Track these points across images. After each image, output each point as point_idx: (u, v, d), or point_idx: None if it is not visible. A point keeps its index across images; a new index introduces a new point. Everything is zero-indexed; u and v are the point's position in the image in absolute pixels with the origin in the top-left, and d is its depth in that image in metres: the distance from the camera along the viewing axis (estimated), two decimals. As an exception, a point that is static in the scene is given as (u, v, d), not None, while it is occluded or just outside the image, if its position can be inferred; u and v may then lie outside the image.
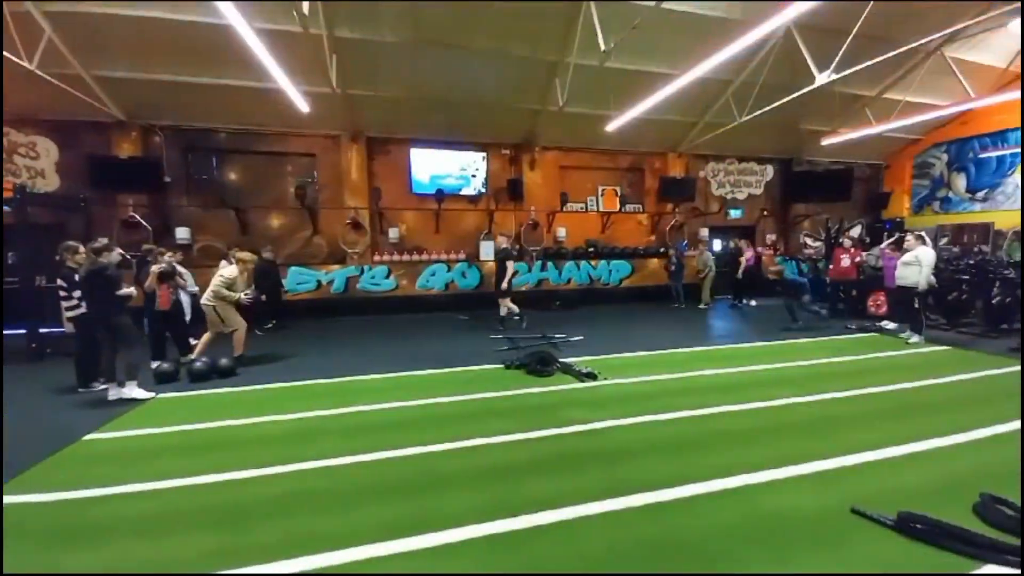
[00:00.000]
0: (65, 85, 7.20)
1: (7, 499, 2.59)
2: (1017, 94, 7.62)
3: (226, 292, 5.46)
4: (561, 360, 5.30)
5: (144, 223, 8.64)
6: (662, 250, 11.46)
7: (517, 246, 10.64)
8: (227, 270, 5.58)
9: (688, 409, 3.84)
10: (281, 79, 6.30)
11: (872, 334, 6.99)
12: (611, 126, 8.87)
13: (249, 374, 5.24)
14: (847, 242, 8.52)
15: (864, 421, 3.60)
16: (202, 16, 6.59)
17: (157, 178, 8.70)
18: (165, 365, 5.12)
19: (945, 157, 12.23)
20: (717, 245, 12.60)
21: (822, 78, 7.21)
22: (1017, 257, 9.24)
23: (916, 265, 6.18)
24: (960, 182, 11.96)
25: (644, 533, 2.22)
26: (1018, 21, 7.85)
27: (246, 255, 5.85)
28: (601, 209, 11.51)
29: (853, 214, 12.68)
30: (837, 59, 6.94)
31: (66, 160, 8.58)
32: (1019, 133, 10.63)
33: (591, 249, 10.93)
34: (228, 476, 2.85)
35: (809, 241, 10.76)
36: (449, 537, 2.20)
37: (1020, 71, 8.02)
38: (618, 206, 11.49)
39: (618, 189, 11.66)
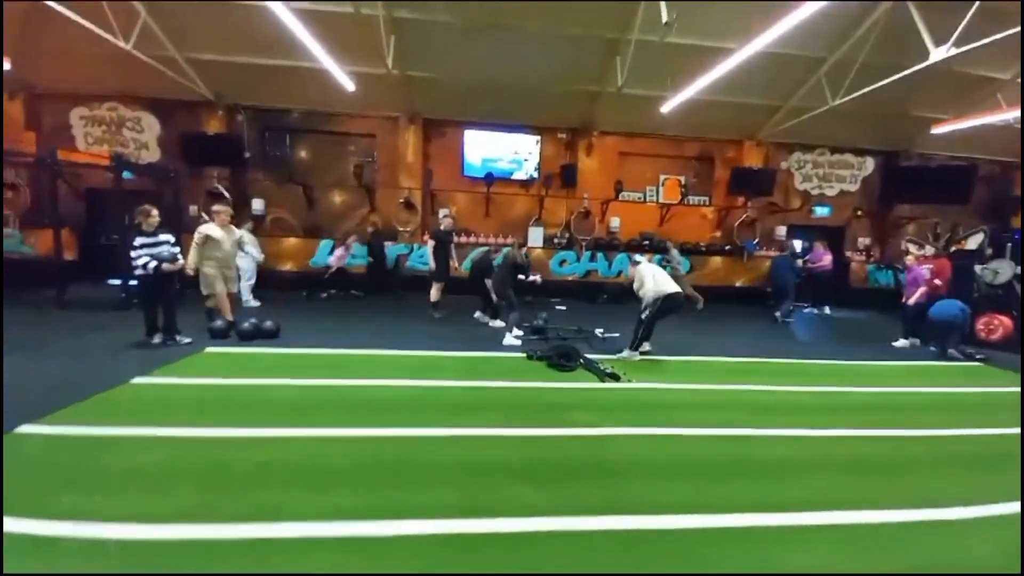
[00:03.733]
0: (162, 66, 8.01)
1: (37, 428, 2.92)
2: None
3: (192, 253, 5.33)
4: (586, 356, 5.03)
5: (226, 194, 9.49)
6: (727, 248, 10.52)
7: (566, 234, 10.31)
8: (204, 226, 5.48)
9: (715, 426, 3.43)
10: (323, 57, 6.53)
11: (976, 363, 5.88)
12: (668, 106, 8.19)
13: (292, 337, 5.56)
14: (929, 249, 7.19)
15: (935, 467, 2.99)
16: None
17: (238, 153, 9.50)
18: (218, 322, 5.59)
19: (1109, 154, 9.84)
20: (797, 246, 11.30)
21: (938, 54, 6.03)
22: None
23: None
24: None
25: (614, 563, 1.98)
26: None
27: (219, 207, 5.72)
28: (661, 200, 10.77)
29: (973, 220, 10.71)
30: (959, 31, 5.74)
31: (165, 134, 9.63)
32: None
33: (646, 242, 10.28)
34: (232, 433, 3.01)
35: (913, 248, 9.25)
36: (398, 529, 2.11)
37: (1020, 71, 6.37)
38: (680, 197, 10.65)
39: (682, 179, 10.81)
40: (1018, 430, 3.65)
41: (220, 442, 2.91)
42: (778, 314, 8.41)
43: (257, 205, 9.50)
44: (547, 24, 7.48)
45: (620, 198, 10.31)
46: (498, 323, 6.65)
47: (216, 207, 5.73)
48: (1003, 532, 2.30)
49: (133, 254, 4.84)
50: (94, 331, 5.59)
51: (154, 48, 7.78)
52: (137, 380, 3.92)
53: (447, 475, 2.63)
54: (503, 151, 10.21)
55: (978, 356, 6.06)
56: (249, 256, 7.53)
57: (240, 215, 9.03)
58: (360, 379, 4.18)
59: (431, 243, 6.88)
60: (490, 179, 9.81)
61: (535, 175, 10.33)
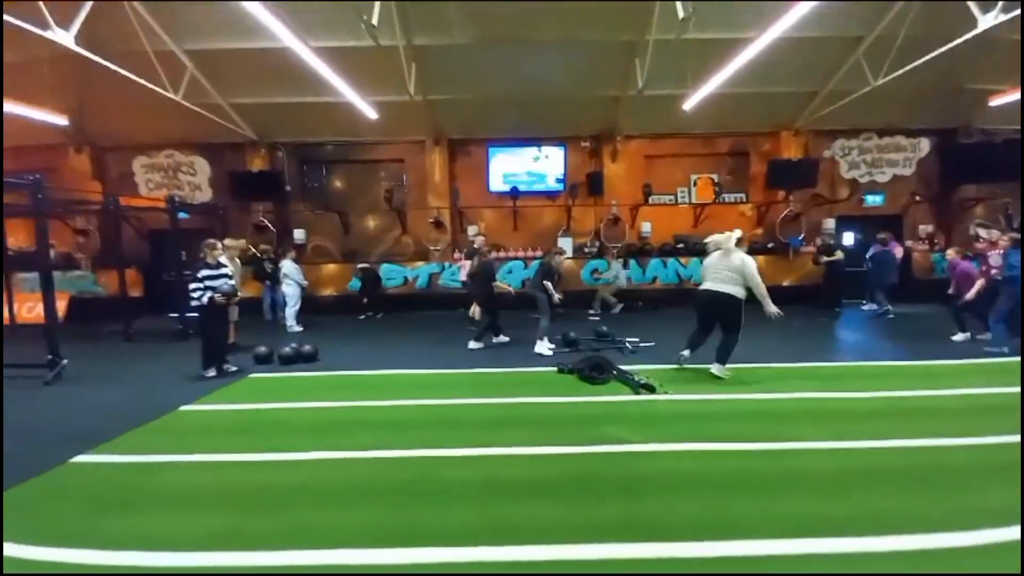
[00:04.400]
0: (209, 113, 8.69)
1: (88, 458, 3.14)
2: None
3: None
4: (619, 367, 4.87)
5: (270, 226, 10.09)
6: (770, 245, 9.98)
7: (596, 243, 10.15)
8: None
9: (757, 440, 3.18)
10: (346, 90, 6.88)
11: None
12: (691, 103, 7.96)
13: (328, 360, 5.76)
14: (986, 233, 6.49)
15: (1010, 477, 2.63)
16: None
17: (280, 187, 10.10)
18: (262, 349, 5.87)
19: None
20: (848, 238, 10.55)
21: (987, 21, 5.51)
22: None
23: None
24: None
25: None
26: None
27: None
28: (694, 200, 10.40)
29: (1054, 196, 9.62)
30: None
31: (215, 175, 10.39)
32: None
33: (680, 245, 9.94)
34: (265, 458, 3.11)
35: (983, 233, 8.38)
36: (411, 557, 2.07)
37: (1020, 71, 6.18)
38: (714, 196, 10.25)
39: (715, 177, 10.41)
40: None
41: (254, 466, 3.02)
42: (874, 306, 8.41)
43: (299, 234, 10.01)
44: (563, 32, 7.52)
45: (650, 202, 10.06)
46: (503, 338, 6.57)
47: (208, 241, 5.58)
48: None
49: (192, 286, 5.01)
50: (153, 362, 6.03)
51: (201, 96, 8.46)
52: (185, 408, 4.17)
53: (466, 495, 2.58)
54: (527, 164, 10.26)
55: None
56: (293, 283, 7.97)
57: (283, 245, 9.58)
58: (392, 399, 4.24)
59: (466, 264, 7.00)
60: (516, 193, 9.87)
61: (561, 186, 10.29)
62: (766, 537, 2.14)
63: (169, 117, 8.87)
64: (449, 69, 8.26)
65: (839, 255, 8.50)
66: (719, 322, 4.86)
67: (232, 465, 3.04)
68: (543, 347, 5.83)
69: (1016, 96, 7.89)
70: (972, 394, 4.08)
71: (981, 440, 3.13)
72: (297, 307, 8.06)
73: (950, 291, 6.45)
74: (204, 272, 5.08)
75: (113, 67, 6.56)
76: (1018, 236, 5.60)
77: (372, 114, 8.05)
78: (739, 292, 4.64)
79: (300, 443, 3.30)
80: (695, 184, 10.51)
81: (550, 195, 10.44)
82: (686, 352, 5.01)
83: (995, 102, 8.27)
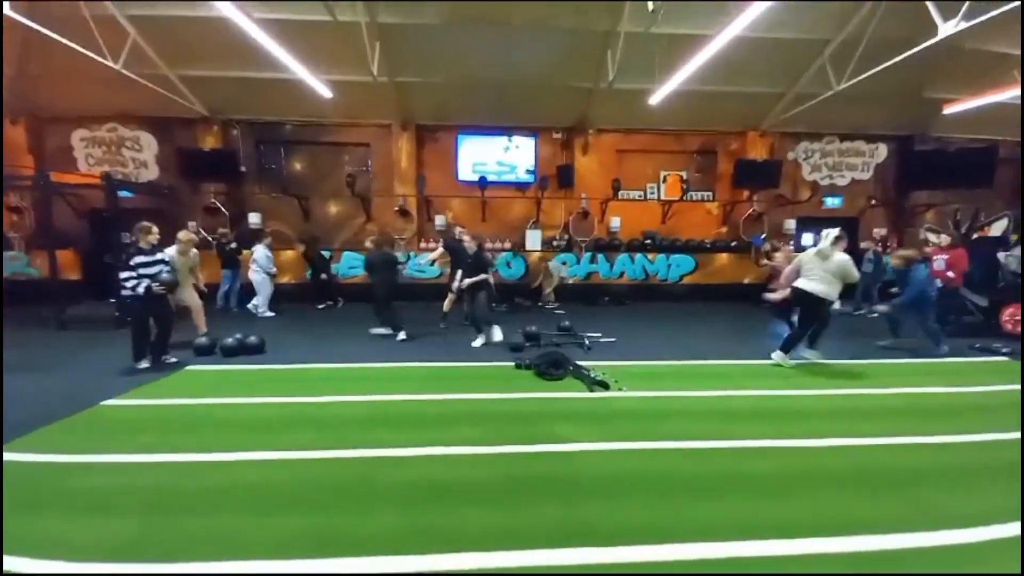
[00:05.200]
0: (155, 85, 8.07)
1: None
2: None
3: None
4: (576, 363, 4.80)
5: (223, 208, 9.55)
6: (733, 244, 10.14)
7: (565, 236, 10.08)
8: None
9: (707, 439, 3.15)
10: (295, 66, 6.51)
11: (1002, 359, 5.45)
12: (657, 98, 7.89)
13: (277, 352, 5.46)
14: (944, 238, 6.73)
15: (951, 480, 2.67)
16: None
17: (234, 167, 9.54)
18: (202, 339, 5.52)
19: None
20: (808, 239, 10.83)
21: (947, 29, 5.65)
22: None
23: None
24: None
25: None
26: None
27: (184, 235, 5.67)
28: (662, 197, 10.45)
29: (997, 204, 10.12)
30: (967, 4, 5.36)
31: (163, 152, 9.73)
32: None
33: (648, 241, 9.98)
34: (190, 458, 2.87)
35: (932, 237, 8.75)
36: (323, 567, 1.92)
37: (1020, 70, 6.10)
38: (682, 193, 10.33)
39: (684, 174, 10.49)
40: (1049, 434, 3.29)
41: (175, 467, 2.78)
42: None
43: (254, 219, 9.52)
44: (537, 16, 7.30)
45: (619, 197, 10.05)
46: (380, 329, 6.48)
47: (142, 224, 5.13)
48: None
49: (124, 274, 4.55)
50: (85, 351, 5.58)
51: (146, 67, 7.85)
52: (109, 402, 3.84)
53: (400, 498, 2.43)
54: (497, 154, 10.06)
55: (1004, 350, 5.62)
56: (260, 271, 7.75)
57: (237, 229, 9.09)
58: (338, 395, 4.02)
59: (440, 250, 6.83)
60: (483, 183, 9.65)
61: (532, 177, 10.14)
62: (701, 540, 2.09)
63: (112, 88, 8.22)
64: (417, 50, 7.93)
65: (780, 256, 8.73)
66: (800, 311, 5.08)
67: (151, 466, 2.79)
68: (483, 339, 5.81)
69: (969, 104, 8.19)
70: (920, 393, 4.20)
71: (933, 439, 3.20)
72: (269, 293, 7.86)
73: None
74: (138, 259, 4.62)
75: (45, 31, 5.97)
76: (912, 254, 5.77)
77: (326, 92, 7.65)
78: (828, 292, 4.77)
79: (230, 442, 3.07)
80: (664, 181, 10.55)
81: (520, 186, 10.28)
82: (808, 353, 5.16)
83: (948, 110, 8.57)
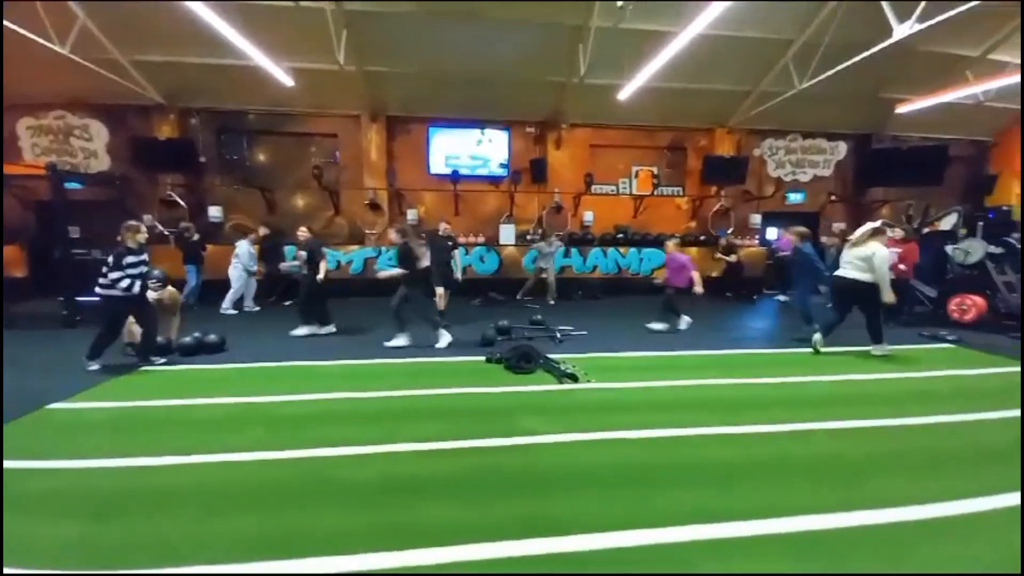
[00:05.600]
0: (104, 70, 7.61)
1: None
2: None
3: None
4: (547, 356, 4.81)
5: (180, 202, 9.13)
6: (702, 238, 10.38)
7: (539, 230, 10.09)
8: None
9: (669, 427, 3.22)
10: (253, 52, 6.30)
11: (949, 346, 5.76)
12: (626, 93, 7.97)
13: (239, 350, 5.27)
14: (897, 232, 7.06)
15: (899, 464, 2.79)
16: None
17: (193, 158, 9.12)
18: (158, 338, 5.27)
19: (1075, 131, 9.85)
20: (772, 233, 11.19)
21: (902, 30, 5.90)
22: None
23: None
24: (1096, 161, 9.61)
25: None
26: None
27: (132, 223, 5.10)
28: (635, 192, 10.59)
29: (947, 201, 10.69)
30: (921, 6, 5.60)
31: (115, 141, 9.22)
32: None
33: (620, 235, 10.10)
34: (138, 462, 2.73)
35: (888, 232, 9.17)
36: (281, 568, 1.87)
37: (1020, 69, 6.39)
38: (652, 188, 10.48)
39: (655, 169, 10.64)
40: (990, 415, 3.50)
41: (124, 471, 2.65)
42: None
43: (214, 212, 9.14)
44: (508, 10, 7.22)
45: (592, 191, 10.12)
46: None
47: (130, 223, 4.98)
48: (964, 533, 2.11)
49: (116, 274, 4.39)
50: (30, 352, 5.25)
51: (97, 51, 7.41)
52: (56, 405, 3.63)
53: (363, 496, 2.39)
54: (470, 147, 9.96)
55: (950, 338, 5.95)
56: (239, 267, 7.52)
57: (196, 223, 8.70)
58: (301, 393, 3.90)
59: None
60: (456, 177, 9.54)
61: (505, 171, 10.09)
62: (659, 526, 2.13)
63: (60, 74, 7.71)
64: (387, 39, 7.74)
65: (733, 258, 9.32)
66: (856, 306, 5.17)
67: (98, 470, 2.65)
68: (403, 339, 5.47)
69: (921, 104, 8.58)
70: (870, 380, 4.39)
71: (879, 423, 3.34)
72: (239, 290, 7.62)
73: (658, 281, 6.83)
74: (129, 259, 4.50)
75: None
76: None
77: (288, 81, 7.38)
78: (866, 277, 4.90)
79: (184, 444, 2.94)
80: (636, 176, 10.68)
81: (493, 180, 10.21)
82: (818, 336, 5.27)
83: (900, 110, 8.96)
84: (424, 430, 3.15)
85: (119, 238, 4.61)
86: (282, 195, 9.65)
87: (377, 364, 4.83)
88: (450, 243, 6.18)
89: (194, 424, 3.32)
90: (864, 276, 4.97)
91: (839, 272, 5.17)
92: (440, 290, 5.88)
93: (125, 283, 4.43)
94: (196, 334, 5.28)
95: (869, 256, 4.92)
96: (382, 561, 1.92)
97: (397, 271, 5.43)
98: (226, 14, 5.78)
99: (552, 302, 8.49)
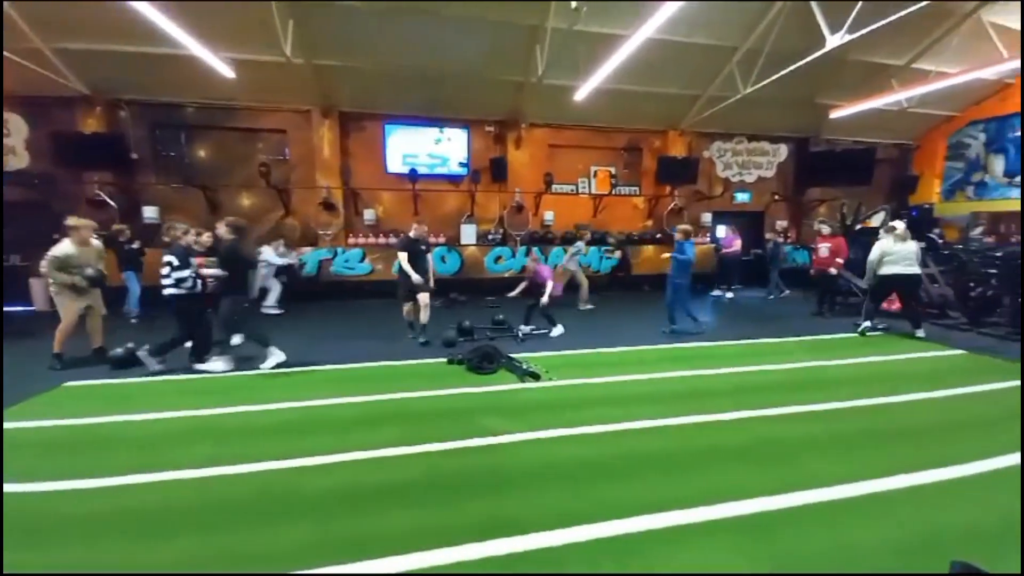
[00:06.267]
0: (25, 60, 6.88)
1: None
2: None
3: (57, 274, 4.63)
4: (509, 356, 4.79)
5: (110, 202, 8.40)
6: (658, 236, 10.71)
7: (500, 230, 10.07)
8: (57, 248, 4.66)
9: (627, 421, 3.28)
10: (188, 41, 5.95)
11: (879, 333, 6.22)
12: (582, 94, 8.07)
13: (176, 361, 4.89)
14: (826, 228, 7.62)
15: (833, 445, 2.98)
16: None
17: (123, 155, 8.41)
18: (119, 350, 4.82)
19: (983, 137, 10.96)
20: (721, 231, 11.69)
21: (834, 40, 6.31)
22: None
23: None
24: (998, 165, 10.71)
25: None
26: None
27: (80, 221, 4.86)
28: (593, 191, 10.77)
29: (877, 199, 11.61)
30: (851, 17, 6.02)
31: (36, 137, 8.36)
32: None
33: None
34: (65, 485, 2.47)
35: (824, 229, 9.83)
36: None
37: (1020, 66, 7.17)
38: (611, 188, 10.72)
39: (613, 169, 10.88)
40: (909, 396, 3.79)
41: (47, 496, 2.39)
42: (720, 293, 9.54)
43: (150, 212, 8.48)
44: (464, 8, 7.12)
45: (552, 191, 10.20)
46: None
47: (71, 221, 4.83)
48: (888, 513, 2.26)
49: (182, 273, 4.52)
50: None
51: (15, 40, 6.70)
52: (-42, 428, 3.22)
53: (318, 508, 2.27)
54: (429, 145, 9.78)
55: (880, 326, 6.43)
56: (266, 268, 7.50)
57: (133, 224, 8.03)
58: (247, 404, 3.68)
59: (402, 255, 5.56)
60: (414, 176, 9.34)
61: (465, 170, 9.98)
62: (613, 518, 2.17)
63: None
64: (338, 32, 7.43)
65: (618, 253, 9.94)
66: (902, 294, 6.09)
67: (19, 496, 2.36)
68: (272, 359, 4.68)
69: (852, 109, 9.22)
70: (806, 368, 4.66)
71: (817, 407, 3.54)
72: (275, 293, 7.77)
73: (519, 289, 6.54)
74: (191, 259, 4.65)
75: None
76: (689, 228, 6.21)
77: (228, 73, 6.95)
78: (915, 270, 5.85)
79: (118, 464, 2.71)
80: (595, 175, 10.87)
81: (453, 179, 10.08)
82: (868, 323, 6.05)
83: (834, 115, 9.62)
84: (383, 436, 3.05)
85: (167, 238, 4.91)
86: (226, 194, 9.08)
87: (332, 370, 4.63)
88: (424, 247, 5.75)
89: (131, 441, 3.05)
90: (912, 269, 5.80)
91: (899, 269, 5.78)
92: (424, 298, 5.60)
93: (190, 283, 4.56)
94: (129, 345, 4.86)
95: (911, 252, 5.77)
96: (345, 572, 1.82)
97: (217, 271, 4.61)
98: (157, 1, 5.35)
99: (591, 306, 8.06)
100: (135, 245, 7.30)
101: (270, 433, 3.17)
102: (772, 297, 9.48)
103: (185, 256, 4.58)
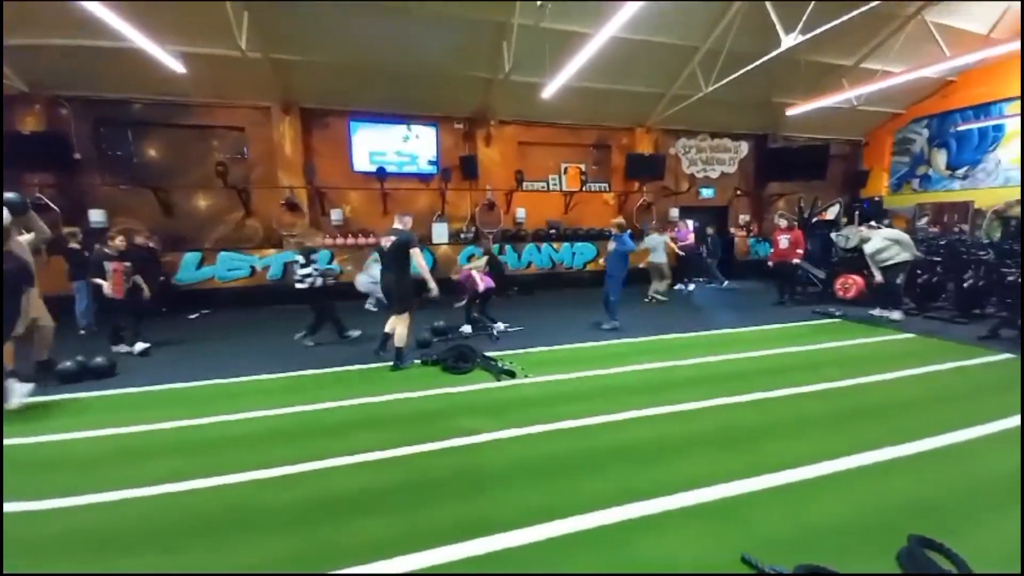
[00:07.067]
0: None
1: None
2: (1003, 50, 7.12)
3: None
4: (484, 355, 4.75)
5: (52, 205, 7.82)
6: (629, 232, 10.87)
7: (472, 228, 10.00)
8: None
9: (601, 414, 3.31)
10: (133, 34, 5.65)
11: (836, 320, 6.53)
12: (548, 92, 8.09)
13: (130, 373, 4.60)
14: (784, 222, 7.96)
15: (795, 428, 3.10)
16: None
17: (65, 155, 7.86)
18: (68, 363, 4.46)
19: (926, 132, 11.68)
20: (688, 226, 12.02)
21: (788, 40, 6.56)
22: (996, 237, 8.83)
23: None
24: (941, 159, 11.44)
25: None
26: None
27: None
28: (564, 188, 10.85)
29: (831, 193, 12.17)
30: (804, 19, 6.27)
31: (-34, 136, 7.68)
32: (1000, 106, 10.16)
33: (552, 231, 10.31)
34: (17, 507, 2.27)
35: (783, 222, 10.24)
36: None
37: (1020, 63, 7.64)
38: (580, 185, 10.82)
39: (582, 166, 10.98)
40: (862, 379, 3.99)
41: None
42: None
43: (96, 216, 7.95)
44: (431, 3, 6.99)
45: (523, 188, 10.21)
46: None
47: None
48: (849, 489, 2.37)
49: (306, 270, 5.44)
50: None
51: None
52: None
53: (287, 521, 2.17)
54: (397, 143, 9.59)
55: (837, 313, 6.75)
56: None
57: (81, 226, 7.49)
58: (211, 415, 3.48)
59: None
60: (382, 174, 9.14)
61: (434, 168, 9.84)
62: (592, 510, 2.18)
63: None
64: (296, 26, 7.17)
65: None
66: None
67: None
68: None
69: (806, 107, 9.63)
70: (768, 355, 4.84)
71: (782, 392, 3.67)
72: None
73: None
74: (313, 256, 5.58)
75: None
76: (623, 222, 6.19)
77: (179, 67, 6.58)
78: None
79: (68, 484, 2.50)
80: (565, 172, 10.94)
81: (422, 178, 9.92)
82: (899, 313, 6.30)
83: (790, 112, 10.02)
84: (357, 442, 2.96)
85: (296, 241, 6.08)
86: (180, 195, 8.62)
87: (298, 376, 4.46)
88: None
89: (81, 462, 2.83)
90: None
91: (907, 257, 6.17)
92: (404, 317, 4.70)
93: (310, 280, 5.43)
94: (79, 357, 4.54)
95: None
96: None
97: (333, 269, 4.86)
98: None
99: (665, 299, 8.31)
100: (86, 254, 6.64)
101: (235, 444, 3.02)
102: (725, 285, 9.88)
103: (310, 253, 5.53)
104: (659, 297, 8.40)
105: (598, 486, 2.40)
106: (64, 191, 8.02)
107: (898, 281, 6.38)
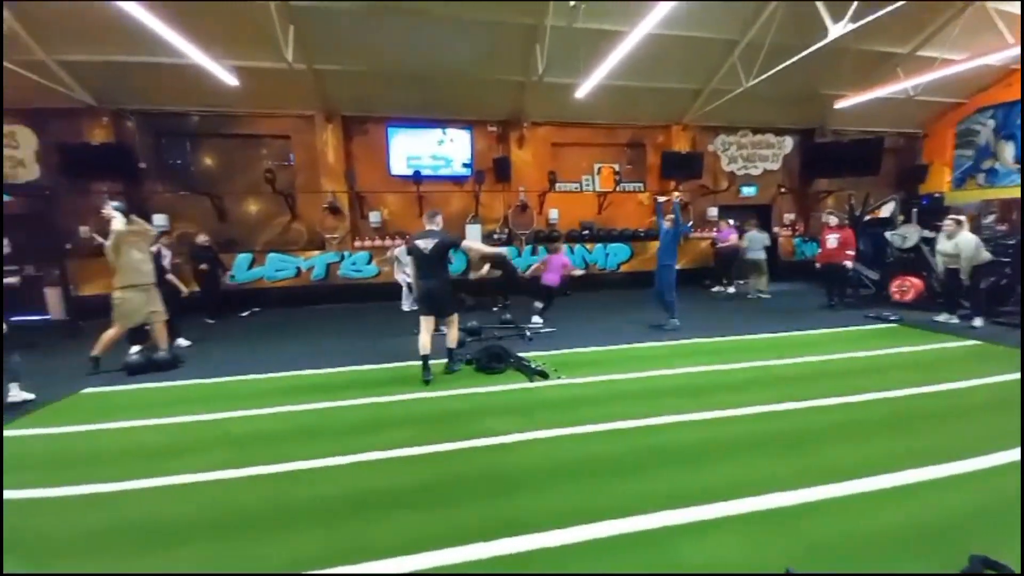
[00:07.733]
0: (28, 71, 6.98)
1: None
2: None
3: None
4: (517, 355, 4.78)
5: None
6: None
7: (505, 229, 10.06)
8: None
9: (637, 418, 3.26)
10: (190, 50, 6.00)
11: (892, 325, 6.14)
12: (583, 91, 8.02)
13: (193, 367, 4.94)
14: (833, 220, 7.49)
15: (851, 435, 2.94)
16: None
17: (131, 164, 8.52)
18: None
19: (992, 123, 10.77)
20: (730, 225, 11.60)
21: (836, 30, 6.23)
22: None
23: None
24: (1008, 151, 10.53)
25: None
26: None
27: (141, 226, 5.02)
28: (597, 188, 10.74)
29: (885, 189, 11.43)
30: (853, 7, 5.95)
31: (45, 149, 8.48)
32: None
33: (585, 232, 10.22)
34: (60, 492, 2.50)
35: (832, 220, 9.71)
36: None
37: (1020, 62, 6.97)
38: (615, 185, 10.67)
39: (616, 166, 10.83)
40: (924, 388, 3.74)
41: (52, 504, 2.41)
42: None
43: (159, 220, 8.53)
44: (461, 9, 7.12)
45: (556, 189, 10.18)
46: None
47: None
48: (905, 502, 2.23)
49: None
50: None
51: (19, 52, 6.80)
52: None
53: (322, 515, 2.27)
54: (432, 147, 9.80)
55: (892, 318, 6.34)
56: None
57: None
58: (257, 408, 3.70)
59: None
60: (418, 177, 9.36)
61: (468, 171, 9.99)
62: (630, 515, 2.15)
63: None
64: (338, 36, 7.47)
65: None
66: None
67: (23, 503, 2.39)
68: None
69: (858, 99, 9.12)
70: (822, 360, 4.61)
71: (833, 401, 3.50)
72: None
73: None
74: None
75: None
76: (680, 195, 6.00)
77: (231, 80, 7.00)
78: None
79: (122, 471, 2.72)
80: (598, 172, 10.83)
81: (457, 180, 10.09)
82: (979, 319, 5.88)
83: (839, 105, 9.51)
84: (392, 438, 3.05)
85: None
86: (232, 201, 9.16)
87: (341, 372, 4.65)
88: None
89: (137, 450, 3.07)
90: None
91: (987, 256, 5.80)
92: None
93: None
94: (143, 349, 4.93)
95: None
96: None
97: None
98: (156, 11, 5.39)
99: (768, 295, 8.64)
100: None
101: (278, 438, 3.18)
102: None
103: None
104: (762, 295, 8.57)
105: (639, 488, 2.38)
106: (130, 198, 8.67)
107: (982, 285, 5.97)
